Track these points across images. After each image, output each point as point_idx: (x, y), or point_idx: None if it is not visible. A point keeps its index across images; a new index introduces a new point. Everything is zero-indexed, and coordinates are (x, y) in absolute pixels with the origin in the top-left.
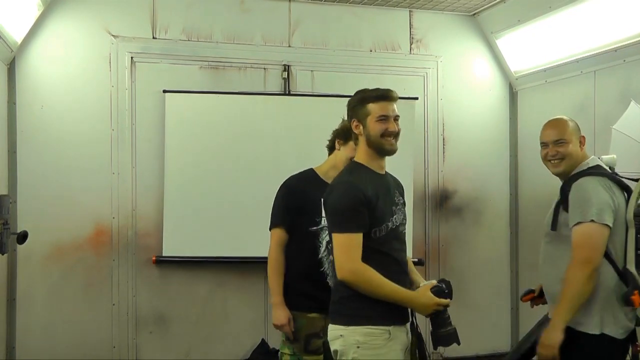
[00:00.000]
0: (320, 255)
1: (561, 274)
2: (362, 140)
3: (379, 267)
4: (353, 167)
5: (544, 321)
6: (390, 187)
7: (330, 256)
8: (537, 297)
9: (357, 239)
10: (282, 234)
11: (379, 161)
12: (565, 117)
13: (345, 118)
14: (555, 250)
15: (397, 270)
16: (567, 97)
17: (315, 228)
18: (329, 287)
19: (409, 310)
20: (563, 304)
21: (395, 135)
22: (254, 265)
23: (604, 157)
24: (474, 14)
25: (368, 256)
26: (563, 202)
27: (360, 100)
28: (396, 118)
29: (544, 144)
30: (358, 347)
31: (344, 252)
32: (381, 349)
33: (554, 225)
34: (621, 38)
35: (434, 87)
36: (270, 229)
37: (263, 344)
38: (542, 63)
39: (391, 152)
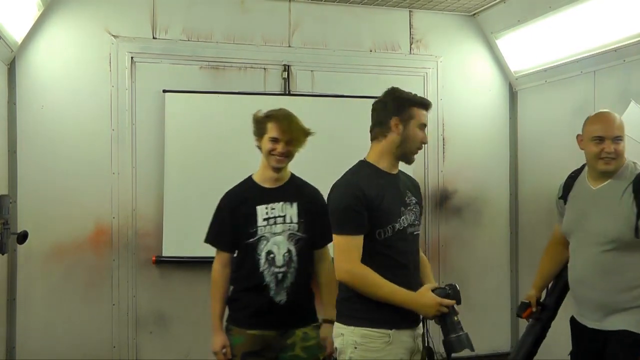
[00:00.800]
0: (261, 269)
1: (629, 283)
2: (391, 139)
3: (383, 269)
4: (359, 166)
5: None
6: (401, 187)
7: (272, 268)
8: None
9: (354, 240)
10: (226, 255)
11: (392, 161)
12: (612, 112)
13: None
14: (620, 258)
15: (403, 273)
16: (567, 97)
17: (252, 240)
18: (275, 302)
19: (421, 317)
20: None
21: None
22: None
23: None
24: (474, 14)
25: (372, 257)
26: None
27: (406, 101)
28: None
29: (598, 139)
30: (355, 347)
31: (341, 253)
32: (379, 352)
33: (638, 232)
34: (621, 38)
35: (434, 87)
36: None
37: None
38: (542, 63)
39: (412, 161)
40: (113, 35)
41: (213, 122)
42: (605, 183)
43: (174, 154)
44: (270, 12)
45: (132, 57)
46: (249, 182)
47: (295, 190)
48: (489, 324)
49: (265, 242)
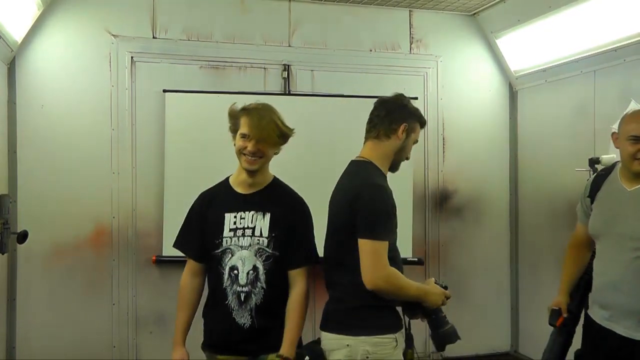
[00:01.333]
0: (224, 285)
1: None
2: (393, 142)
3: None
4: (374, 168)
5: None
6: None
7: (235, 286)
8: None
9: (385, 245)
10: (195, 263)
11: (389, 165)
12: None
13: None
14: None
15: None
16: (567, 97)
17: (217, 251)
18: (238, 324)
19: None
20: None
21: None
22: None
23: (603, 156)
24: (474, 14)
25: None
26: None
27: (415, 113)
28: None
29: (635, 138)
30: (367, 357)
31: (377, 259)
32: (390, 357)
33: None
34: (621, 38)
35: (433, 86)
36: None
37: None
38: (542, 63)
39: (396, 170)
40: (113, 35)
41: (213, 121)
42: None
43: (174, 153)
44: (270, 12)
45: (132, 57)
46: (224, 183)
47: (272, 198)
48: (489, 324)
49: (229, 255)
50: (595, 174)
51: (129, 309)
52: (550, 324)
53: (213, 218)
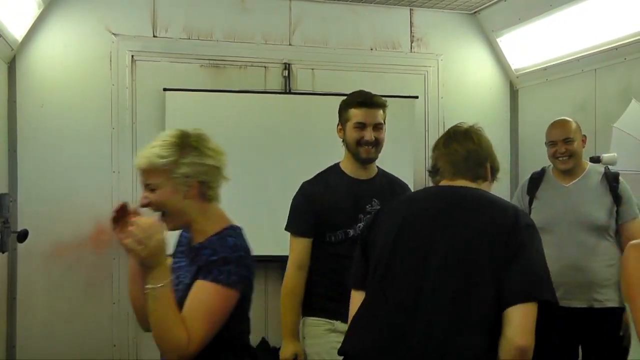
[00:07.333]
0: None
1: (608, 262)
2: (344, 144)
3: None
4: (336, 167)
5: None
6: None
7: None
8: None
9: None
10: None
11: (359, 167)
12: (569, 118)
13: None
14: (599, 242)
15: None
16: (568, 96)
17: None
18: None
19: None
20: None
21: (374, 144)
22: (255, 264)
23: (604, 155)
24: (475, 12)
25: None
26: (615, 197)
27: (345, 104)
28: (377, 126)
29: (552, 143)
30: None
31: None
32: None
33: (619, 217)
34: (622, 36)
35: (434, 85)
36: None
37: (264, 342)
38: (543, 61)
39: (367, 161)
40: (113, 34)
41: (213, 120)
42: (577, 180)
43: None
44: (271, 10)
45: (132, 56)
46: None
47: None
48: None
49: None
50: (530, 175)
51: (130, 308)
52: None
53: None
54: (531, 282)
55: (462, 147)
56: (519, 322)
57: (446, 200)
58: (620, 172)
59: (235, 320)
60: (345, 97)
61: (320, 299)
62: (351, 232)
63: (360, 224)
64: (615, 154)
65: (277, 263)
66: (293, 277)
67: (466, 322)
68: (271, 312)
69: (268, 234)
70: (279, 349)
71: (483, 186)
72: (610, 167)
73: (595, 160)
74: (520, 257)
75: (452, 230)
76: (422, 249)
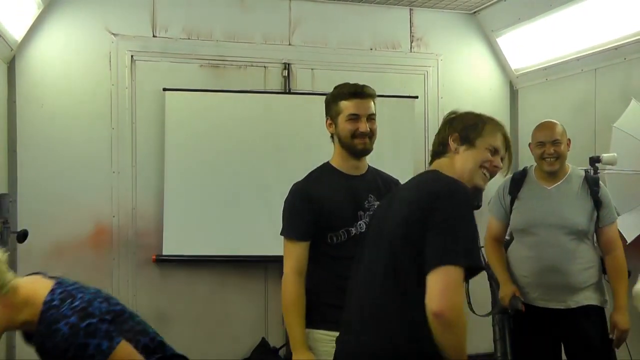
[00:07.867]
0: None
1: (586, 265)
2: (335, 139)
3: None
4: (328, 165)
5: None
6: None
7: None
8: None
9: None
10: None
11: (353, 162)
12: (555, 120)
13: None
14: (581, 244)
15: None
16: (568, 95)
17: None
18: None
19: None
20: (625, 288)
21: (369, 135)
22: (255, 264)
23: (604, 155)
24: (475, 12)
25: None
26: (596, 202)
27: (333, 97)
28: (370, 117)
29: (540, 144)
30: None
31: None
32: None
33: (599, 221)
34: (622, 36)
35: (434, 85)
36: None
37: (263, 342)
38: (543, 61)
39: (364, 153)
40: (113, 34)
41: (213, 120)
42: (559, 183)
43: (174, 152)
44: (271, 10)
45: (132, 56)
46: None
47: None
48: (488, 323)
49: None
50: (511, 175)
51: (129, 308)
52: (517, 309)
53: None
54: (441, 248)
55: (437, 137)
56: (431, 288)
57: (405, 185)
58: (620, 172)
59: None
60: (332, 91)
61: (326, 309)
62: (353, 230)
63: (361, 222)
64: (615, 154)
65: (277, 263)
66: (294, 286)
67: (395, 295)
68: (271, 312)
69: (268, 233)
70: (279, 349)
71: (456, 158)
72: (610, 167)
73: (595, 160)
74: (434, 224)
75: (392, 211)
76: (371, 237)
